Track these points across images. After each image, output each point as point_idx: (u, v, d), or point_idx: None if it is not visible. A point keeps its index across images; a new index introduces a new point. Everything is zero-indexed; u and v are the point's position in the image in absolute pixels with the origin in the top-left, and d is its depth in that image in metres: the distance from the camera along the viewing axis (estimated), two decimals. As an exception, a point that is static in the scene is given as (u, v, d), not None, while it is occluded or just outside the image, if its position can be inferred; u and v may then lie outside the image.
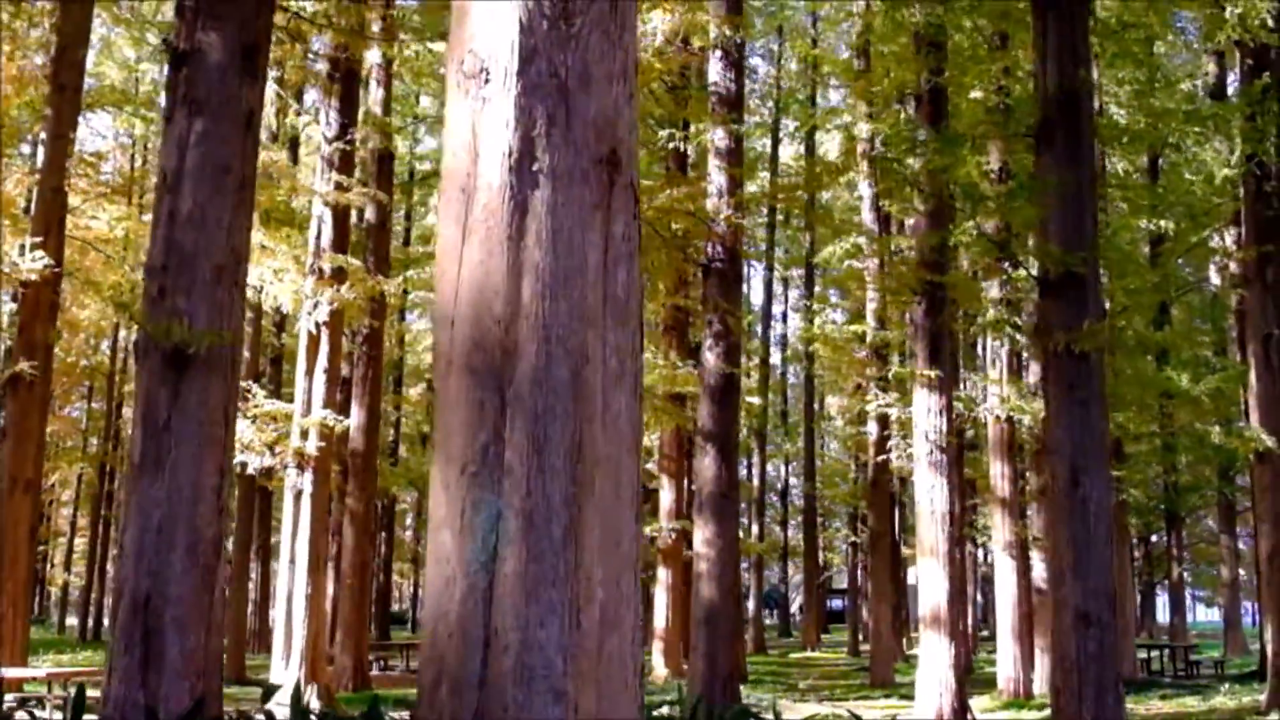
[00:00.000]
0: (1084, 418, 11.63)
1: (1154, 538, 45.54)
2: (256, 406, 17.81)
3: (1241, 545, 39.20)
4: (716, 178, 15.54)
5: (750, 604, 45.36)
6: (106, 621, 54.06)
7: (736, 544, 15.12)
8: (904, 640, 38.82)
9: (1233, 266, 29.40)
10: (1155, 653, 29.30)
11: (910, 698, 20.11)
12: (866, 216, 26.37)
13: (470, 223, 4.25)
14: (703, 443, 15.07)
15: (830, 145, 30.43)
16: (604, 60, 4.38)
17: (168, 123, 8.03)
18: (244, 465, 18.08)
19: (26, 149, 31.54)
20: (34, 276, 20.08)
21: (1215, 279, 37.60)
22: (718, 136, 15.66)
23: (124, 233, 31.06)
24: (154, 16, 33.59)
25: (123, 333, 41.10)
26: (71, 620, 55.42)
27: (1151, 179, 29.04)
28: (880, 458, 25.34)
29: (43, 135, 22.01)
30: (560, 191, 4.19)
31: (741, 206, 15.57)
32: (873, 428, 26.13)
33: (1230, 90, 30.17)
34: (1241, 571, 37.15)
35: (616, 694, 4.10)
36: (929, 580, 17.90)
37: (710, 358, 15.16)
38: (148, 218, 32.20)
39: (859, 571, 49.17)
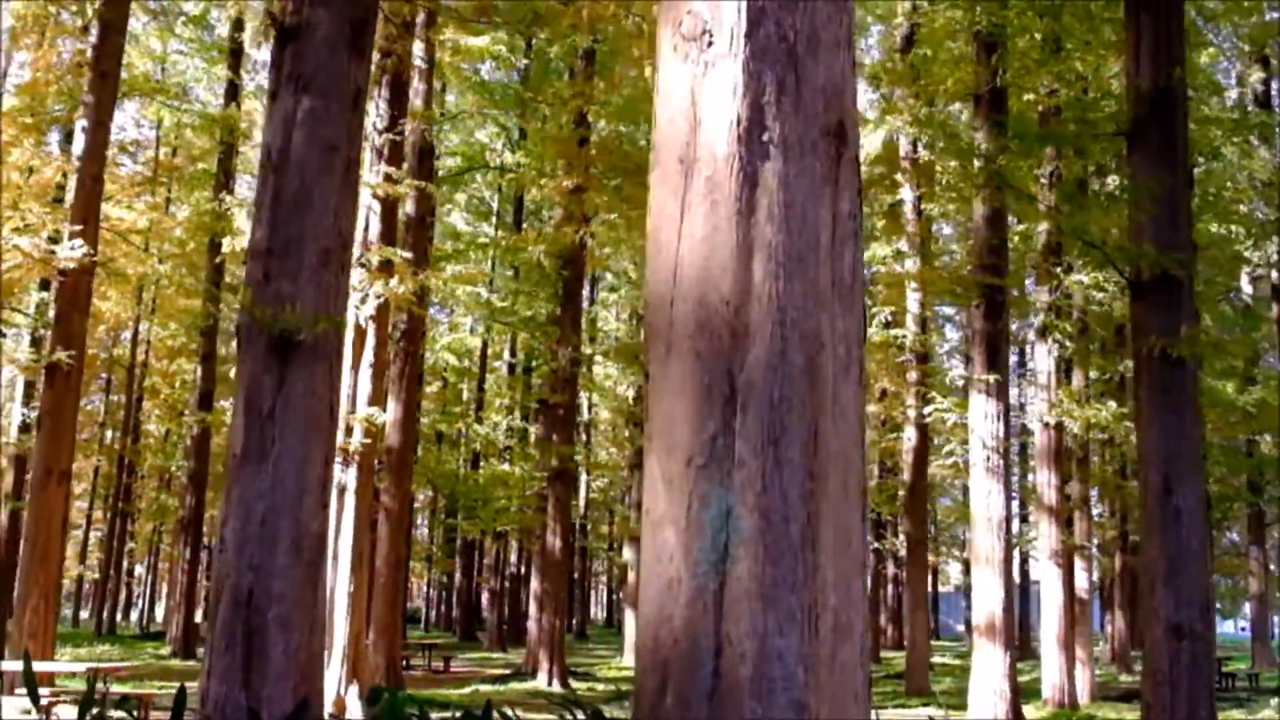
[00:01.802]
0: (1177, 425, 11.30)
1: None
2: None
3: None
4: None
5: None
6: (121, 615, 53.78)
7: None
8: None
9: (1275, 276, 29.09)
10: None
11: (952, 707, 19.81)
12: (908, 219, 26.05)
13: (690, 195, 3.93)
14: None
15: (869, 146, 30.06)
16: (831, 24, 4.08)
17: (272, 100, 7.73)
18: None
19: (54, 136, 31.22)
20: (73, 265, 19.82)
21: (1248, 288, 37.28)
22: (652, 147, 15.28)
23: (147, 223, 30.85)
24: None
25: (144, 325, 40.84)
26: (83, 614, 55.14)
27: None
28: (932, 463, 25.00)
29: (82, 123, 21.70)
30: (791, 163, 3.88)
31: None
32: (910, 434, 25.77)
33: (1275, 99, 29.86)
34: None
35: (847, 706, 3.79)
36: (984, 588, 17.58)
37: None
38: (174, 210, 31.90)
39: (885, 579, 48.82)
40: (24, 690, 16.38)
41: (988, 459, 17.59)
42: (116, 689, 16.96)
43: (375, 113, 18.59)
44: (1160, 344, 11.13)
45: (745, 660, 3.60)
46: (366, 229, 18.39)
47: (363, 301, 17.87)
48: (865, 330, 4.31)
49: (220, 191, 33.10)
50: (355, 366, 18.32)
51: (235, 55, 34.38)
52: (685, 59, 4.04)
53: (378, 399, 18.35)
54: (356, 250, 18.39)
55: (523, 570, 48.28)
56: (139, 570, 59.18)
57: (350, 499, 17.91)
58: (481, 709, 6.78)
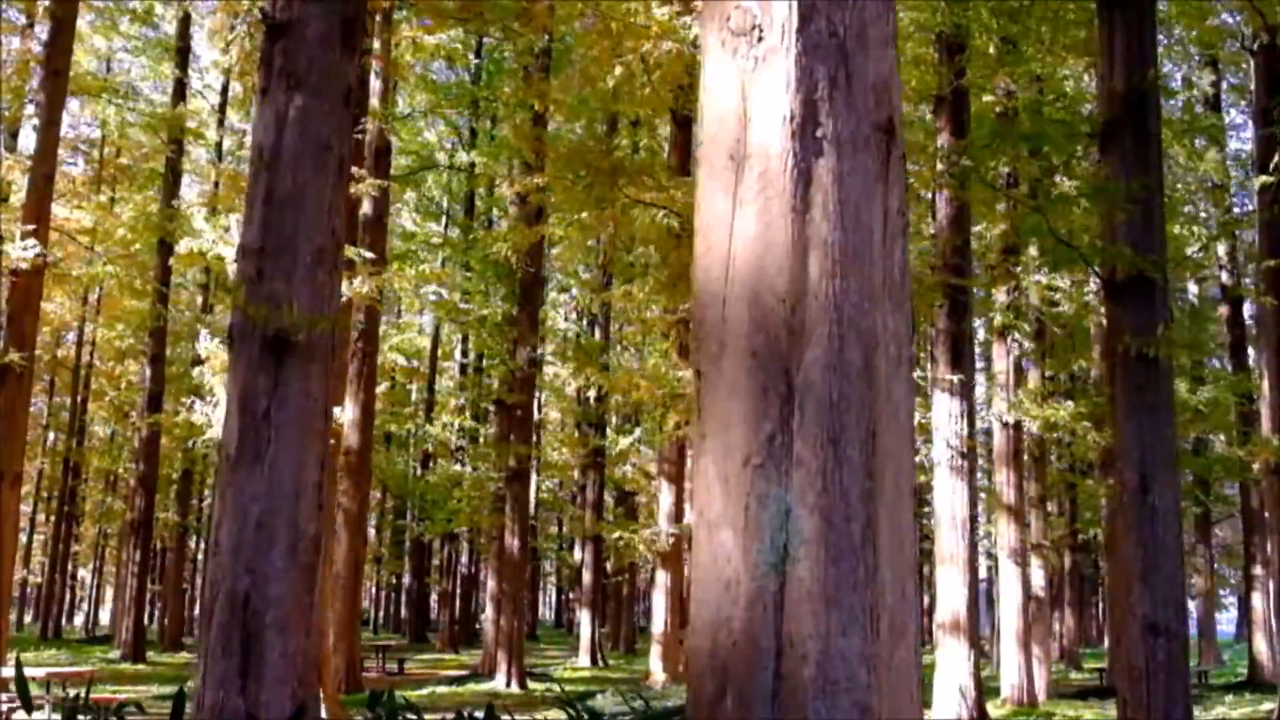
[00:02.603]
0: (1152, 423, 11.40)
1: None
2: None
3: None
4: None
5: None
6: (65, 619, 53.01)
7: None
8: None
9: (1224, 277, 29.46)
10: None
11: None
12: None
13: (742, 192, 3.89)
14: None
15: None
16: (879, 21, 4.05)
17: (263, 96, 7.60)
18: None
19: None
20: (25, 266, 19.51)
21: (1192, 288, 37.77)
22: (698, 144, 15.30)
23: (91, 224, 30.42)
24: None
25: (89, 326, 40.29)
26: (26, 618, 54.31)
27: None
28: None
29: (33, 121, 21.38)
30: (845, 160, 3.85)
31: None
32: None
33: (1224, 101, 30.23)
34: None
35: (903, 707, 3.76)
36: (948, 587, 17.68)
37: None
38: (118, 210, 31.45)
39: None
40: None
41: (951, 458, 17.68)
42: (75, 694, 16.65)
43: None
44: (1137, 343, 11.22)
45: (808, 662, 3.56)
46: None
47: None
48: (913, 329, 4.28)
49: (168, 191, 32.77)
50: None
51: (183, 54, 34.02)
52: (734, 54, 4.00)
53: (337, 400, 18.16)
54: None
55: (473, 571, 48.11)
56: (82, 574, 58.40)
57: (313, 501, 17.72)
58: (484, 710, 6.71)
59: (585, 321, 41.97)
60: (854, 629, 3.59)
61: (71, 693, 17.10)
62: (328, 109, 7.55)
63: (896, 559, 3.79)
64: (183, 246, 21.30)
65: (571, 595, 64.63)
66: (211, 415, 18.51)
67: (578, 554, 49.12)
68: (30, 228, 19.69)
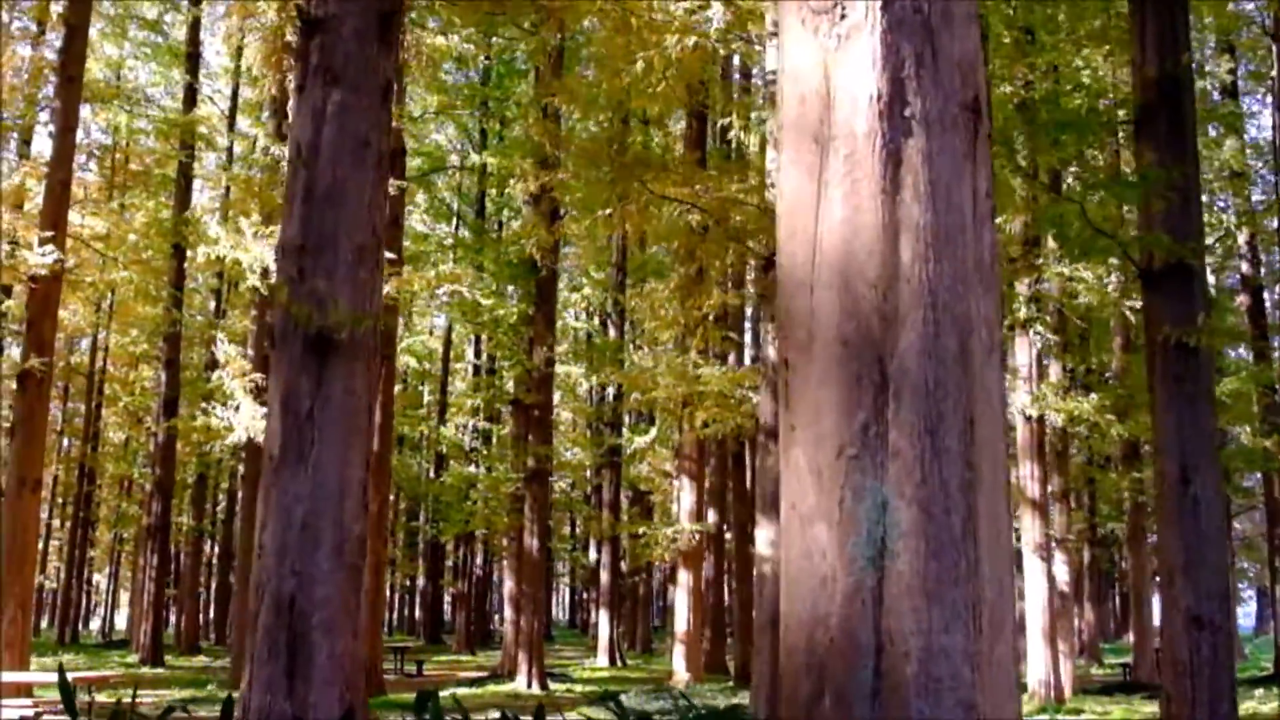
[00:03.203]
0: (1193, 414, 11.26)
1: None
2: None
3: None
4: (774, 169, 15.08)
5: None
6: (81, 624, 52.96)
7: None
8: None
9: (1245, 267, 29.27)
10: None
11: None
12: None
13: (828, 175, 3.77)
14: (764, 440, 14.60)
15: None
16: (962, -3, 3.93)
17: (300, 92, 7.49)
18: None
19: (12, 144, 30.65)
20: (44, 272, 19.44)
21: (1210, 278, 37.54)
22: (774, 127, 15.21)
23: (105, 230, 30.32)
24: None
25: (102, 332, 40.24)
26: (42, 623, 54.26)
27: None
28: None
29: (49, 128, 21.34)
30: (934, 139, 3.72)
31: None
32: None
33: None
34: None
35: (1003, 705, 3.63)
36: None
37: (771, 354, 14.70)
38: (129, 216, 31.38)
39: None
40: (12, 702, 16.01)
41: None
42: (102, 699, 16.59)
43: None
44: (1177, 333, 11.08)
45: (910, 659, 3.44)
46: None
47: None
48: (1002, 313, 4.15)
49: (181, 196, 32.70)
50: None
51: (193, 59, 33.93)
52: (815, 33, 3.87)
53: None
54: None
55: (488, 572, 48.01)
56: (98, 579, 58.38)
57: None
58: (535, 711, 6.59)
59: (597, 320, 41.86)
60: (956, 625, 3.47)
61: (99, 698, 17.01)
62: (366, 104, 7.45)
63: (995, 551, 3.66)
64: (200, 255, 21.23)
65: (586, 595, 64.57)
66: (233, 419, 18.43)
67: (592, 554, 49.10)
68: (48, 234, 19.62)
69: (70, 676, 15.72)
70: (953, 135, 3.76)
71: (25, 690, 17.74)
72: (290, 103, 7.76)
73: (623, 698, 20.63)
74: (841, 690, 3.48)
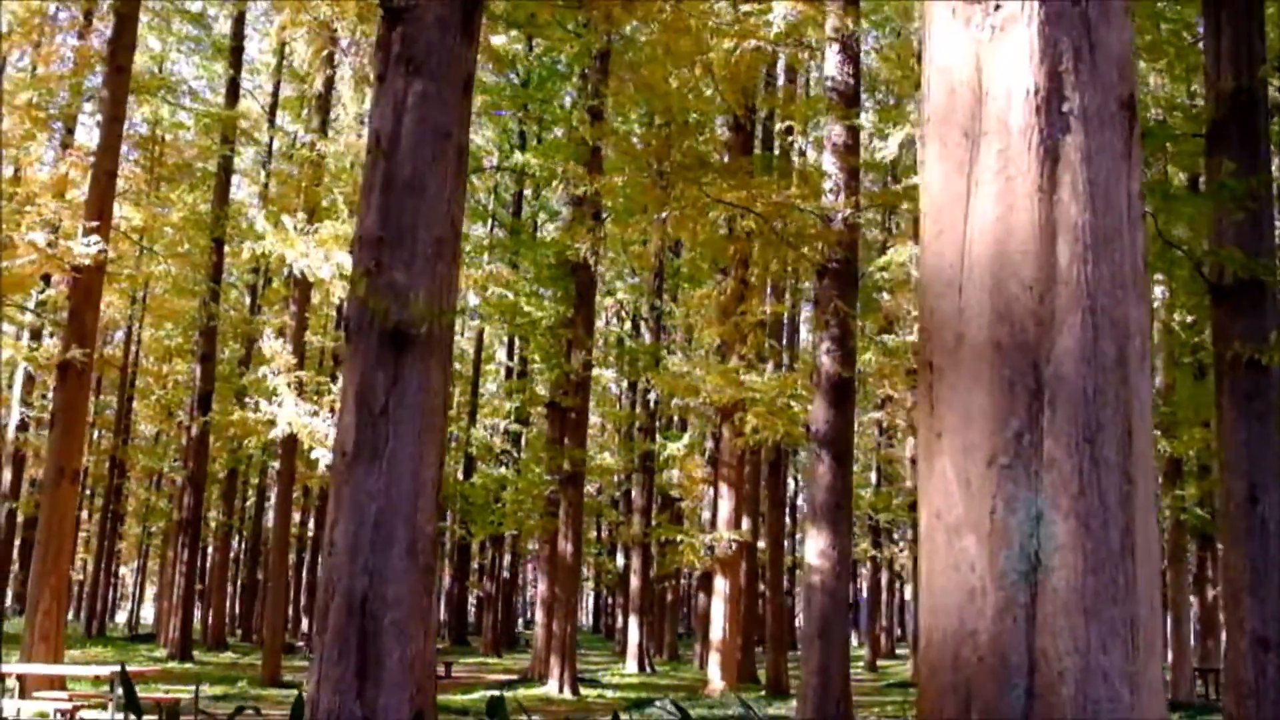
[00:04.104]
0: (1262, 432, 11.04)
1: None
2: (335, 399, 17.07)
3: None
4: (834, 174, 14.93)
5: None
6: (108, 617, 53.04)
7: (850, 555, 14.50)
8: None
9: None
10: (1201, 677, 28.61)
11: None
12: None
13: (978, 171, 3.61)
14: (817, 449, 14.42)
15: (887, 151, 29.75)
16: (1120, -10, 3.77)
17: (380, 82, 7.36)
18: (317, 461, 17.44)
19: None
20: (88, 261, 19.38)
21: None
22: (834, 132, 15.04)
23: (141, 222, 30.33)
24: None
25: (135, 325, 40.30)
26: (69, 615, 54.37)
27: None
28: None
29: (97, 117, 21.32)
30: (1092, 137, 3.57)
31: (859, 206, 14.95)
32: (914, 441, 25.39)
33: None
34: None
35: (1154, 729, 3.47)
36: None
37: (826, 361, 14.52)
38: (167, 209, 31.36)
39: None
40: (48, 695, 15.93)
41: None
42: (144, 694, 16.46)
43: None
44: (1249, 350, 10.87)
45: (1065, 679, 3.28)
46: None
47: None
48: (1151, 321, 3.97)
49: (221, 191, 32.71)
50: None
51: (236, 54, 33.97)
52: (967, 24, 3.72)
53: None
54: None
55: (515, 574, 47.88)
56: (123, 571, 58.51)
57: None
58: (611, 716, 6.44)
59: (630, 324, 41.73)
60: (1115, 644, 3.31)
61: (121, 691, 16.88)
62: (447, 95, 7.31)
63: (1147, 568, 3.50)
64: (246, 251, 21.17)
65: (612, 600, 64.38)
66: (276, 414, 18.34)
67: (620, 559, 48.91)
68: (94, 224, 19.56)
69: (108, 670, 15.67)
70: (1110, 133, 3.60)
71: (59, 683, 17.69)
72: (371, 93, 7.61)
73: (656, 705, 20.48)
74: (990, 710, 3.32)
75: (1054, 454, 3.39)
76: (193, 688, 15.35)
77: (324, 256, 17.44)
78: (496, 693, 24.56)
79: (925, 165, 3.79)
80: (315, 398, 18.29)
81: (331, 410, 17.17)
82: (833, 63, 15.26)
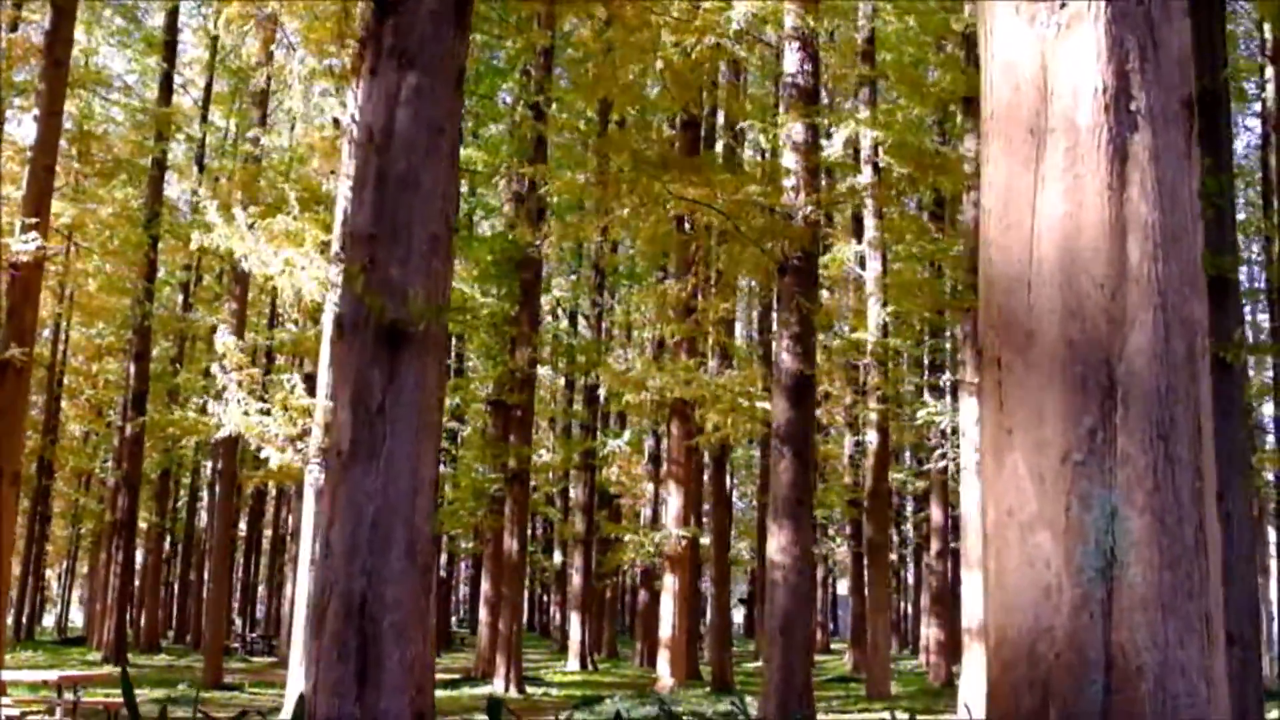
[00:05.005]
0: (1226, 429, 11.19)
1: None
2: (287, 398, 16.83)
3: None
4: (795, 172, 14.97)
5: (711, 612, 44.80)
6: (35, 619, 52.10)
7: (812, 552, 14.56)
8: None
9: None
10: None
11: (924, 711, 19.68)
12: (869, 224, 25.90)
13: (1046, 168, 3.62)
14: (779, 445, 14.46)
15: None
16: (1179, -11, 3.80)
17: (372, 76, 7.26)
18: (265, 460, 17.17)
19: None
20: (27, 258, 18.99)
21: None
22: (795, 130, 15.08)
23: (69, 219, 29.80)
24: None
25: (62, 323, 39.58)
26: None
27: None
28: (938, 465, 24.89)
29: (34, 111, 20.87)
30: (1159, 135, 3.59)
31: (820, 203, 15.01)
32: (872, 437, 25.63)
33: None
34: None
35: (1223, 723, 3.50)
36: (976, 593, 17.50)
37: (787, 358, 14.56)
38: (93, 206, 30.84)
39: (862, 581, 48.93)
40: (6, 700, 15.57)
41: (979, 462, 17.50)
42: (88, 699, 16.15)
43: (355, 100, 18.00)
44: (1215, 348, 11.00)
45: (1144, 674, 3.29)
46: (345, 221, 17.81)
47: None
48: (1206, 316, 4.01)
49: (155, 187, 32.20)
50: (334, 365, 17.72)
51: (170, 48, 33.48)
52: (1031, 21, 3.72)
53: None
54: (335, 243, 17.81)
55: (451, 573, 47.61)
56: (48, 574, 57.48)
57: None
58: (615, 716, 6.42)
59: (568, 321, 41.62)
60: (1191, 639, 3.33)
61: (85, 698, 16.59)
62: (440, 89, 7.22)
63: (1216, 564, 3.53)
64: (195, 242, 20.84)
65: (547, 598, 64.22)
66: (222, 414, 18.03)
67: (558, 556, 48.76)
68: (32, 220, 19.18)
69: (55, 675, 15.39)
70: (1175, 132, 3.63)
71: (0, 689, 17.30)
72: (360, 85, 7.49)
73: (608, 703, 20.42)
74: (1069, 706, 3.33)
75: (1128, 450, 3.40)
76: (139, 692, 15.04)
77: (273, 252, 17.20)
78: (443, 692, 24.38)
79: (988, 161, 3.79)
80: (265, 395, 17.98)
81: (284, 408, 16.91)
82: (793, 60, 15.30)
